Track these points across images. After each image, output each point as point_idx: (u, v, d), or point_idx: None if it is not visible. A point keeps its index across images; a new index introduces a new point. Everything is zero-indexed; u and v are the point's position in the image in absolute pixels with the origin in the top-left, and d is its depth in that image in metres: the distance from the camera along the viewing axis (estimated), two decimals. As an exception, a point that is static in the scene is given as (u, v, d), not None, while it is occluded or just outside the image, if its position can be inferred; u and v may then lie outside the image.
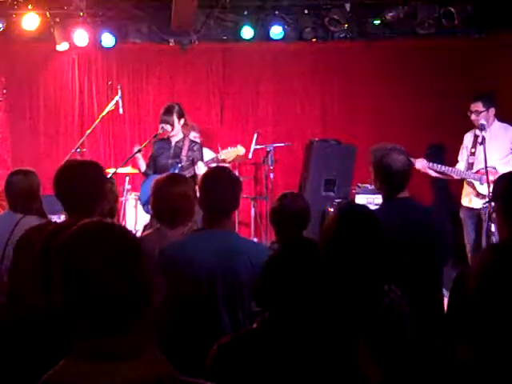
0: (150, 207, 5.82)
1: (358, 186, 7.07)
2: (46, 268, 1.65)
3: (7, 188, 3.98)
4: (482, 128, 5.42)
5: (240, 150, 6.42)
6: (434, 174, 5.80)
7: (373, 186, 6.88)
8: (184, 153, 5.99)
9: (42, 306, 1.99)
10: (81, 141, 6.55)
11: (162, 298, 2.71)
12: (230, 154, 6.40)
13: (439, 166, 5.67)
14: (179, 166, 5.93)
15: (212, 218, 3.00)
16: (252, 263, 2.86)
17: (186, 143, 6.04)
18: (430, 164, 5.61)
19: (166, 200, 3.38)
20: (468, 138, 6.01)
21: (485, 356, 1.71)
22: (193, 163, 5.96)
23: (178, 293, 2.84)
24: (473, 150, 5.83)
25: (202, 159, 6.03)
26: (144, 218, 6.62)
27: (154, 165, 6.14)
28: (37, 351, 1.95)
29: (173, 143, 6.05)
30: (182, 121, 6.06)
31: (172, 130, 5.99)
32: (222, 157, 6.43)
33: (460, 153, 6.07)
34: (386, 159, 3.42)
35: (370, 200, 6.70)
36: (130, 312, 1.35)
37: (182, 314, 2.84)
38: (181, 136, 6.07)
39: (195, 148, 6.05)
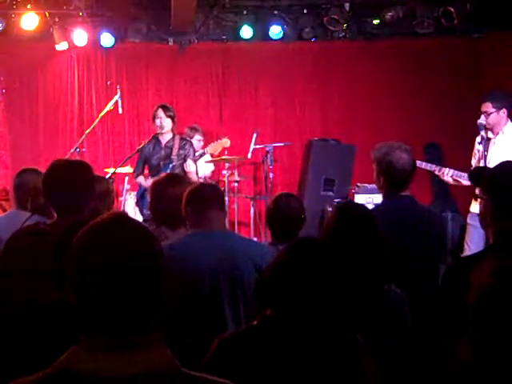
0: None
1: (357, 186, 7.06)
2: (59, 267, 1.64)
3: (18, 184, 3.93)
4: (481, 128, 5.35)
5: (225, 142, 6.51)
6: (452, 182, 5.25)
7: (372, 186, 6.97)
8: (175, 152, 6.00)
9: (52, 303, 1.98)
10: (80, 140, 6.56)
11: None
12: (216, 147, 6.47)
13: (454, 172, 5.17)
14: (170, 165, 5.95)
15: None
16: (254, 261, 2.90)
17: (176, 142, 6.06)
18: (452, 171, 5.04)
19: (167, 201, 3.34)
20: (478, 142, 5.46)
21: (485, 355, 1.71)
22: (185, 161, 6.00)
23: (180, 292, 2.84)
24: (485, 154, 5.28)
25: (193, 156, 6.08)
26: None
27: (142, 167, 6.16)
28: (38, 346, 1.95)
29: (163, 144, 6.07)
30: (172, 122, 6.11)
31: (166, 126, 6.01)
32: (210, 151, 6.47)
33: (473, 157, 5.61)
34: (389, 156, 3.39)
35: (369, 199, 6.69)
36: (149, 312, 1.33)
37: (185, 313, 2.84)
38: (170, 136, 6.09)
39: (186, 146, 6.08)
